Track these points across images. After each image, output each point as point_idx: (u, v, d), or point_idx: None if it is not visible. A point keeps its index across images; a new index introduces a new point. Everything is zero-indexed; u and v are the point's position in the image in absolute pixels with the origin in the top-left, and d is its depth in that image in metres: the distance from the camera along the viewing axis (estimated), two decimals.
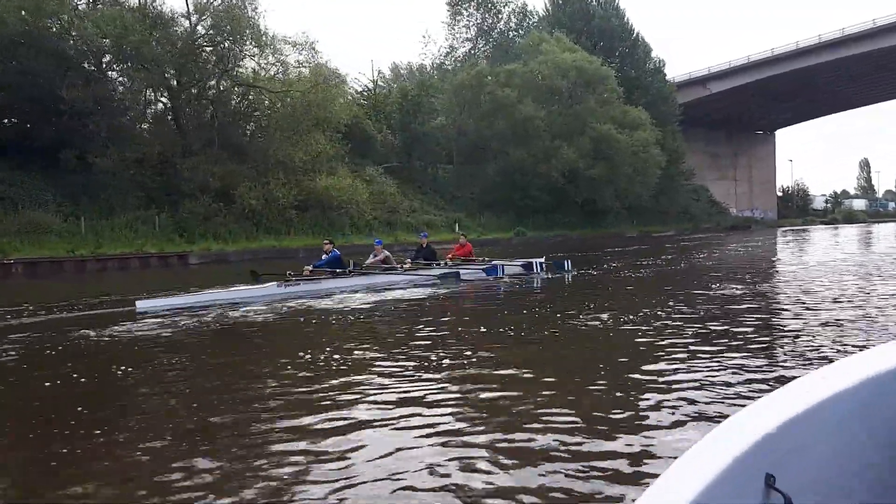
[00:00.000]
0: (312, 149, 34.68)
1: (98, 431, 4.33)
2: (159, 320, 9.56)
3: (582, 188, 49.72)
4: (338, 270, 13.54)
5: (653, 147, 51.52)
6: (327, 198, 34.36)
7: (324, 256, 13.80)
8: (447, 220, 43.49)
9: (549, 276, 15.44)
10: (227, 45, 32.86)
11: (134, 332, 8.52)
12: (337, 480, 3.37)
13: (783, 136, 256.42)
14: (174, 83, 32.79)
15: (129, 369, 6.35)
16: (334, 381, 5.46)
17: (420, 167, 48.50)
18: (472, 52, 58.30)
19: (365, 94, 54.64)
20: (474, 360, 6.17)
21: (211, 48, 32.92)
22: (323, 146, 34.97)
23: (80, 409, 4.90)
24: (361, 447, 3.83)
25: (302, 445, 3.90)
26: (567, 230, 50.33)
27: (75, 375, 6.05)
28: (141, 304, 10.88)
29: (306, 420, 4.41)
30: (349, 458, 3.66)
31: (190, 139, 32.17)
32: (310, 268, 13.57)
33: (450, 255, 16.08)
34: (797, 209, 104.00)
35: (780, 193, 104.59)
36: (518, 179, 48.29)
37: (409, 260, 15.19)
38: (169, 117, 33.92)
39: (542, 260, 16.44)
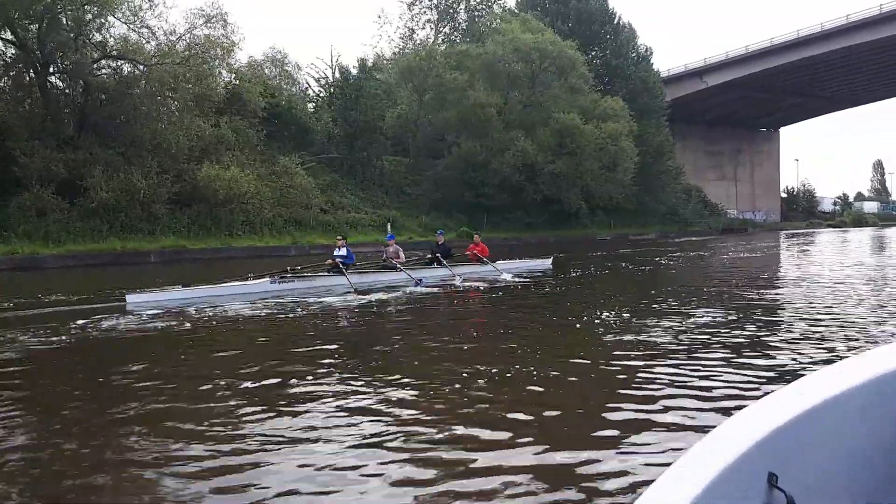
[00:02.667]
0: (193, 132, 28.91)
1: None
2: (146, 316, 9.40)
3: (542, 185, 43.35)
4: (341, 265, 13.19)
5: (625, 140, 44.96)
6: (210, 192, 28.54)
7: (342, 251, 13.52)
8: (380, 218, 37.46)
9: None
10: (88, 7, 27.11)
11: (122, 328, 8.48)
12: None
13: (788, 133, 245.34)
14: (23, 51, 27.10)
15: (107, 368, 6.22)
16: (301, 385, 5.31)
17: (364, 159, 42.44)
18: (435, 35, 52.02)
19: (322, 81, 48.71)
20: (442, 365, 6.00)
21: (71, 10, 27.14)
22: (204, 130, 29.18)
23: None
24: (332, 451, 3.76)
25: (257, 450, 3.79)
26: (528, 232, 44.13)
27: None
28: (131, 299, 10.55)
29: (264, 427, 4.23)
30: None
31: (35, 120, 26.48)
32: (331, 261, 13.43)
33: (467, 252, 16.09)
34: (803, 211, 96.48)
35: (784, 195, 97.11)
36: (470, 175, 42.13)
37: (427, 255, 15.21)
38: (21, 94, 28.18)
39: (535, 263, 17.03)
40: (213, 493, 3.27)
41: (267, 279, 12.26)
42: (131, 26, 29.22)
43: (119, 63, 29.75)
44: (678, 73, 74.23)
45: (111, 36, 28.91)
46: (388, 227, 36.68)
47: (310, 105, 48.88)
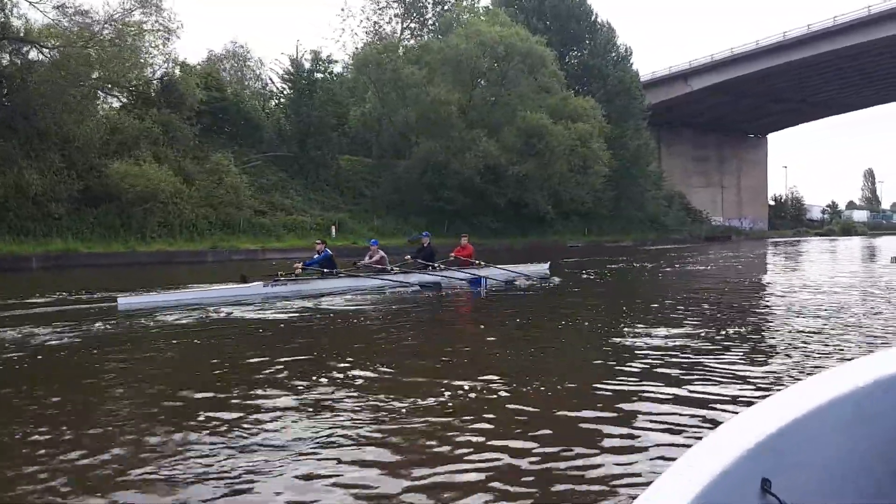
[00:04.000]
0: (109, 125, 25.92)
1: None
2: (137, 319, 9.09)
3: (506, 188, 40.37)
4: (325, 270, 12.95)
5: (596, 141, 42.00)
6: (122, 190, 25.52)
7: (315, 256, 13.38)
8: (325, 222, 34.42)
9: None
10: None
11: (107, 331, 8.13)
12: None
13: (777, 140, 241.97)
14: None
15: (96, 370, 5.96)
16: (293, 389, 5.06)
17: (318, 158, 39.37)
18: (401, 31, 49.01)
19: (285, 76, 45.59)
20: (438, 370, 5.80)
21: None
22: (123, 122, 26.22)
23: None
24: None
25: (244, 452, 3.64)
26: (494, 238, 41.11)
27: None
28: (122, 301, 10.38)
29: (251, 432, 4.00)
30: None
31: None
32: (300, 265, 13.10)
33: (452, 255, 15.25)
34: (791, 219, 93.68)
35: (771, 202, 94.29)
36: (429, 177, 39.16)
37: (408, 257, 14.77)
38: None
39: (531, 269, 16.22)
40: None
41: (260, 282, 12.15)
42: (39, 7, 26.30)
43: (26, 47, 26.76)
44: (663, 76, 71.39)
45: (14, 17, 25.90)
46: (333, 231, 33.74)
47: (272, 102, 46.10)
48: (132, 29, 27.65)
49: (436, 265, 14.42)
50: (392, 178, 40.03)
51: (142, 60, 30.07)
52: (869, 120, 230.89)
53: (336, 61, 40.33)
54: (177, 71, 34.43)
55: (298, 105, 39.36)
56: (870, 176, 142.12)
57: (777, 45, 62.11)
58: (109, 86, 26.76)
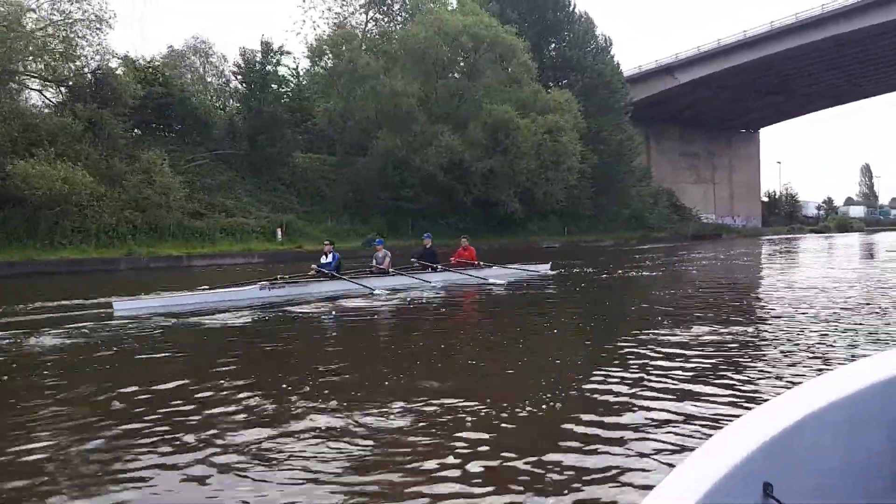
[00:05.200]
0: (16, 121, 23.36)
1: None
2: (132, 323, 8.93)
3: (472, 186, 37.70)
4: (326, 273, 12.71)
5: (569, 135, 39.28)
6: (26, 192, 22.92)
7: (323, 259, 13.11)
8: (270, 224, 31.74)
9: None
10: None
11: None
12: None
13: (770, 135, 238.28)
14: None
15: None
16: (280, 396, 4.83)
17: (272, 156, 36.74)
18: (366, 23, 46.20)
19: (236, 70, 42.98)
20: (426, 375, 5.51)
21: None
22: (34, 117, 23.68)
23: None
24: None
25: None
26: (457, 238, 38.40)
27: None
28: (118, 306, 10.09)
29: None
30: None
31: None
32: (315, 268, 12.88)
33: (453, 259, 15.15)
34: (785, 216, 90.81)
35: (765, 198, 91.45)
36: (389, 174, 36.52)
37: (413, 259, 14.51)
38: None
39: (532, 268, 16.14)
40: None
41: (256, 286, 11.79)
42: None
43: None
44: (649, 70, 68.67)
45: None
46: (278, 233, 31.12)
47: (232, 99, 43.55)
48: (57, 17, 25.05)
49: (438, 267, 14.26)
50: (349, 177, 37.39)
51: (72, 52, 27.62)
52: (864, 113, 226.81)
53: (289, 53, 37.61)
54: (113, 64, 31.86)
55: (250, 100, 36.79)
56: (867, 171, 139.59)
57: (765, 35, 59.45)
58: (31, 77, 24.04)
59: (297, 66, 44.53)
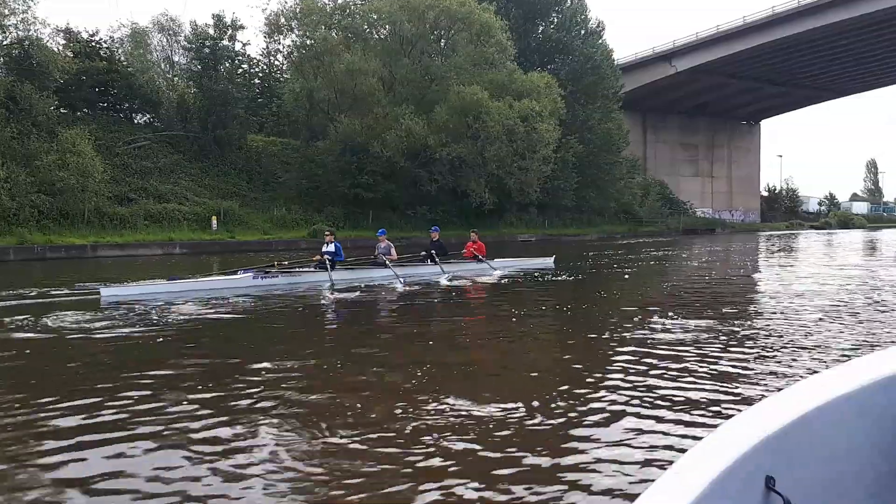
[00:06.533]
0: None
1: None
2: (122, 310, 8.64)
3: (437, 174, 34.64)
4: (322, 261, 12.30)
5: (547, 121, 36.09)
6: None
7: (330, 246, 12.67)
8: (206, 211, 28.76)
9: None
10: None
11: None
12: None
13: (772, 127, 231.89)
14: None
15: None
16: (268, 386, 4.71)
17: (222, 138, 33.79)
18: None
19: (186, 46, 39.73)
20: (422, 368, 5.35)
21: None
22: None
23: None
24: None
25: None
26: (426, 230, 35.44)
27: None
28: (106, 293, 9.76)
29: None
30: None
31: None
32: (319, 256, 12.57)
33: (464, 253, 15.01)
34: (785, 211, 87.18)
35: (764, 193, 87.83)
36: (347, 159, 33.50)
37: (424, 252, 14.22)
38: None
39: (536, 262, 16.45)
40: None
41: (250, 274, 11.30)
42: None
43: None
44: (646, 57, 65.13)
45: None
46: (213, 222, 28.19)
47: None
48: None
49: (447, 258, 14.16)
50: (301, 162, 34.40)
51: None
52: (871, 106, 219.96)
53: (243, 27, 34.48)
54: (40, 35, 28.90)
55: (202, 78, 33.81)
56: (872, 167, 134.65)
57: (765, 21, 55.87)
58: None
59: (268, 45, 41.41)
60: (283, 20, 33.58)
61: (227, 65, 34.60)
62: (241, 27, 33.92)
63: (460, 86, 34.04)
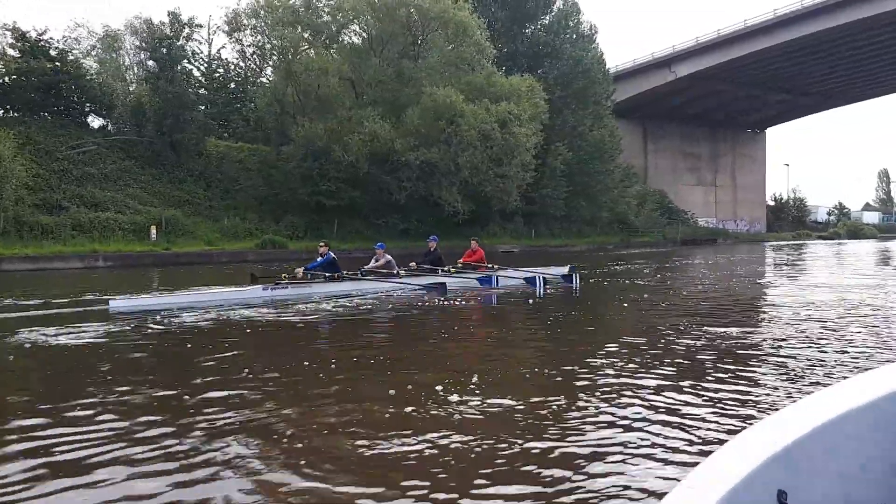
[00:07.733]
0: None
1: None
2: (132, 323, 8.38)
3: (406, 181, 32.05)
4: (327, 275, 11.99)
5: (527, 126, 33.42)
6: None
7: (318, 259, 12.26)
8: (146, 220, 26.29)
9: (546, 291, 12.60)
10: None
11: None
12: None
13: (778, 136, 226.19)
14: None
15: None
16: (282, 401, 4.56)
17: (180, 142, 31.45)
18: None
19: (141, 45, 37.28)
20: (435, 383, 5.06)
21: None
22: None
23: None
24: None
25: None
26: (401, 242, 32.80)
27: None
28: (114, 304, 9.66)
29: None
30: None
31: None
32: (301, 270, 12.02)
33: (461, 261, 14.23)
34: (792, 221, 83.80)
35: (771, 202, 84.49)
36: (309, 165, 31.00)
37: (413, 263, 13.65)
38: None
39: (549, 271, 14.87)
40: None
41: (259, 286, 11.11)
42: None
43: None
44: (644, 63, 62.37)
45: None
46: (152, 232, 25.75)
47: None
48: None
49: (445, 269, 13.60)
50: (261, 167, 31.96)
51: None
52: (882, 113, 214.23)
53: (200, 26, 32.22)
54: None
55: (158, 80, 31.52)
56: (884, 176, 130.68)
57: (767, 24, 53.00)
58: None
59: (249, 45, 39.13)
60: (243, 18, 31.18)
61: (185, 65, 32.29)
62: (199, 26, 31.67)
63: (433, 88, 31.49)
